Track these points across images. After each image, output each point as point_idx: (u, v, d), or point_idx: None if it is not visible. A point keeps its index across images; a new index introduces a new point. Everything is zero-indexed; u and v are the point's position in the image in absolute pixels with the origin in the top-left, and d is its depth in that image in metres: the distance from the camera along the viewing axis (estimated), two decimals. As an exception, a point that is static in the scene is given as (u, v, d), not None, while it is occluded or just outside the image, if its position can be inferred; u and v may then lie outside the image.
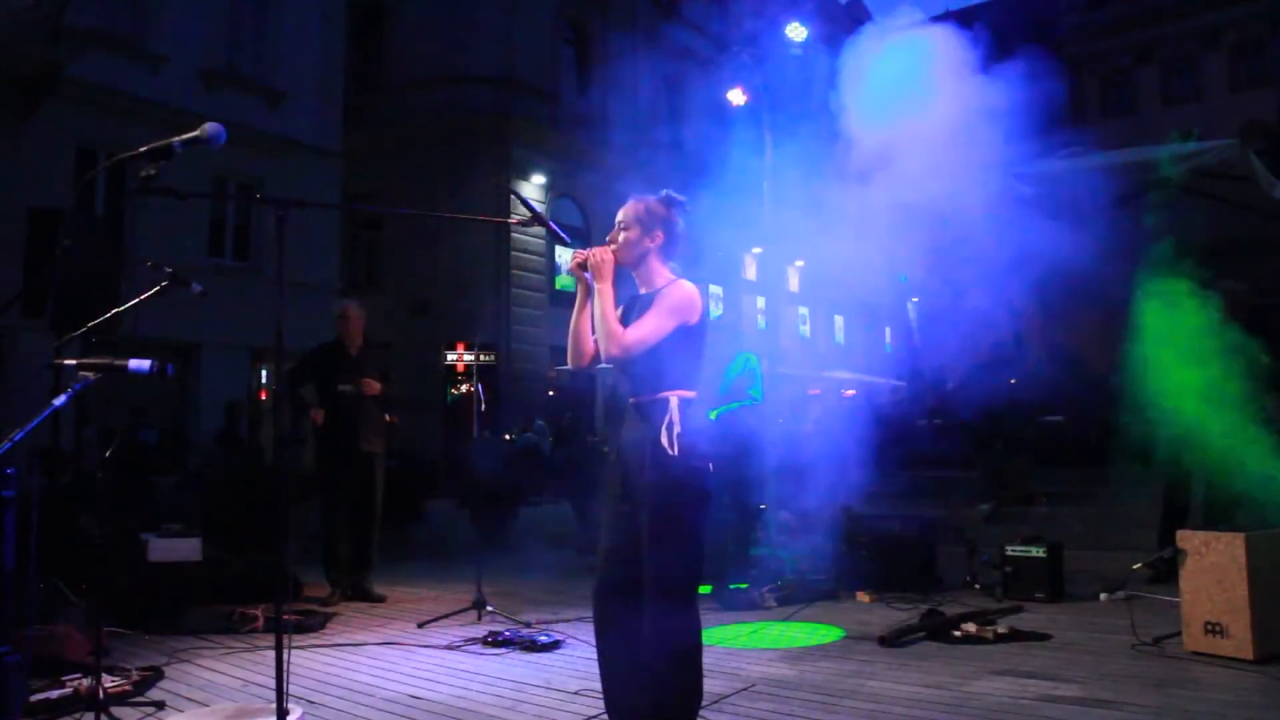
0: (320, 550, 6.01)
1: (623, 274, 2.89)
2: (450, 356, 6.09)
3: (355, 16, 18.03)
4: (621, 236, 2.85)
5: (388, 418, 6.07)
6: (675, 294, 2.77)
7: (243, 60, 14.89)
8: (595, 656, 2.84)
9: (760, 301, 25.80)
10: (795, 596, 5.55)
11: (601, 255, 2.80)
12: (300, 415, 5.92)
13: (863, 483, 5.99)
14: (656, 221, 2.84)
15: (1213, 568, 3.93)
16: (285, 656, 2.46)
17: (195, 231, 13.89)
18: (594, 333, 2.83)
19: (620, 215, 2.88)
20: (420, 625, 5.04)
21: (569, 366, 2.97)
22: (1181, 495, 5.65)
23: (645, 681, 2.69)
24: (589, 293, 2.84)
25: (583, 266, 2.84)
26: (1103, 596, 5.29)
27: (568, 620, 5.03)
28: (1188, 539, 4.08)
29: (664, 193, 2.90)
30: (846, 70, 5.04)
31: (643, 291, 2.88)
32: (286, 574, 4.39)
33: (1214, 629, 3.89)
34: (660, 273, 2.87)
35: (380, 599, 5.83)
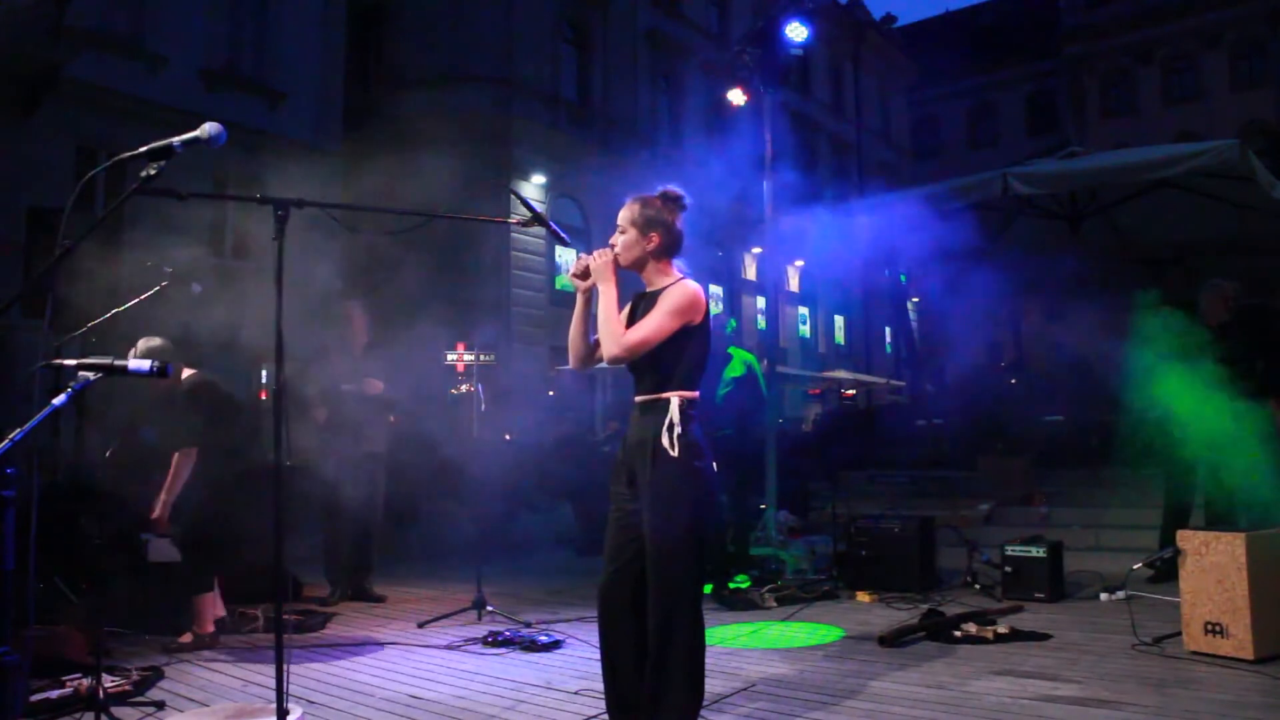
0: (321, 550, 6.01)
1: (630, 274, 2.89)
2: (450, 356, 6.11)
3: (355, 16, 18.01)
4: (620, 240, 2.85)
5: (391, 419, 6.07)
6: (677, 294, 2.76)
7: (243, 60, 14.89)
8: (595, 656, 2.84)
9: (760, 301, 25.81)
10: (795, 596, 5.55)
11: (603, 258, 2.81)
12: (302, 415, 5.91)
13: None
14: (653, 223, 2.83)
15: (1213, 568, 3.94)
16: (285, 656, 2.47)
17: (195, 231, 13.88)
18: (595, 333, 2.83)
19: (619, 217, 2.88)
20: (420, 625, 5.04)
21: (570, 367, 2.98)
22: (1182, 495, 5.65)
23: (647, 681, 2.69)
24: (588, 300, 2.85)
25: (582, 276, 2.84)
26: (1103, 596, 5.29)
27: (568, 620, 5.03)
28: (1188, 539, 4.08)
29: (661, 192, 2.88)
30: None
31: (649, 291, 2.88)
32: (286, 574, 4.38)
33: (1214, 629, 3.89)
34: (663, 273, 2.86)
35: (380, 599, 5.83)
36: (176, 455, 4.58)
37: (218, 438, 4.63)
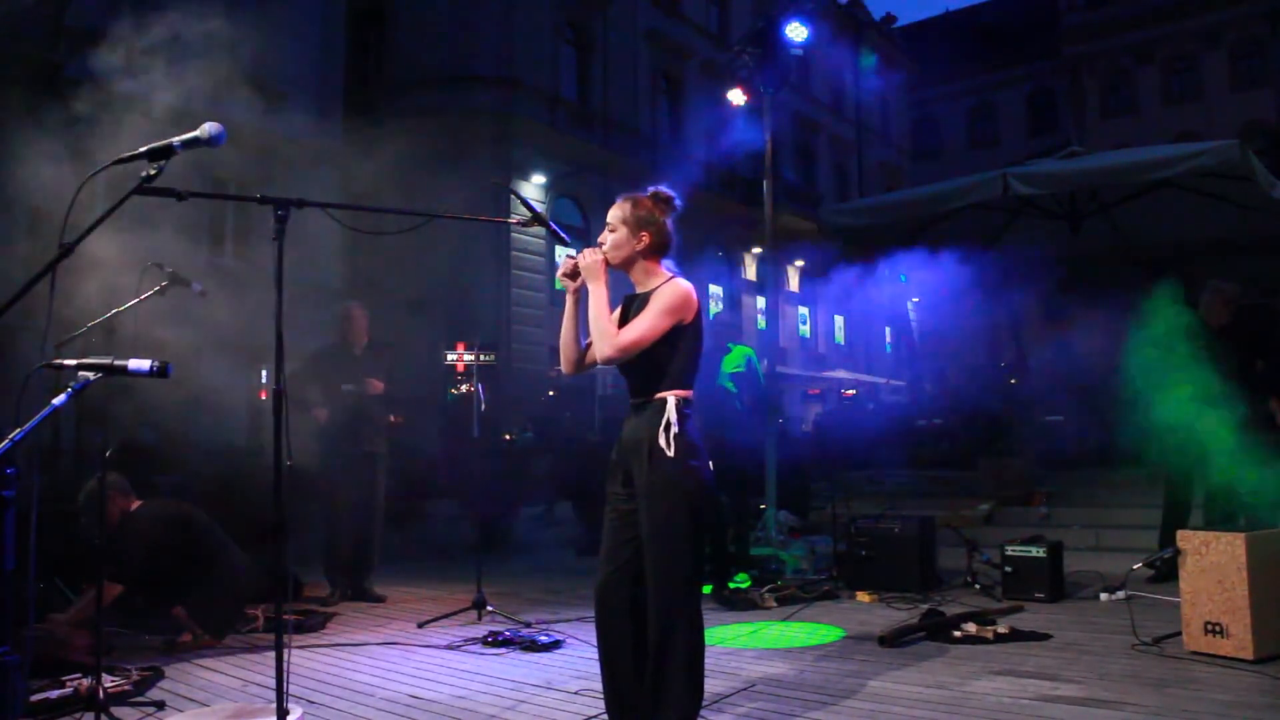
0: (321, 550, 6.01)
1: (620, 275, 2.88)
2: (450, 356, 6.11)
3: (355, 16, 18.02)
4: (609, 238, 2.84)
5: (391, 418, 6.07)
6: (669, 293, 2.76)
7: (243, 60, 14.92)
8: (595, 656, 2.84)
9: (760, 301, 25.81)
10: (795, 596, 5.55)
11: (592, 257, 2.79)
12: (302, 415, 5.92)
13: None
14: (643, 222, 2.81)
15: (1213, 568, 3.93)
16: (285, 656, 2.47)
17: (195, 231, 13.88)
18: (587, 336, 2.82)
19: (610, 216, 2.87)
20: (420, 625, 5.04)
21: (563, 372, 2.97)
22: (1182, 495, 5.66)
23: (646, 681, 2.69)
24: (578, 301, 2.84)
25: (572, 275, 2.82)
26: (1103, 596, 5.29)
27: (568, 620, 5.03)
28: (1188, 539, 4.08)
29: (651, 191, 2.87)
30: None
31: (639, 291, 2.87)
32: (286, 574, 4.38)
33: (1214, 629, 3.89)
34: (653, 272, 2.85)
35: (380, 599, 5.83)
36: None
37: (164, 565, 4.56)
